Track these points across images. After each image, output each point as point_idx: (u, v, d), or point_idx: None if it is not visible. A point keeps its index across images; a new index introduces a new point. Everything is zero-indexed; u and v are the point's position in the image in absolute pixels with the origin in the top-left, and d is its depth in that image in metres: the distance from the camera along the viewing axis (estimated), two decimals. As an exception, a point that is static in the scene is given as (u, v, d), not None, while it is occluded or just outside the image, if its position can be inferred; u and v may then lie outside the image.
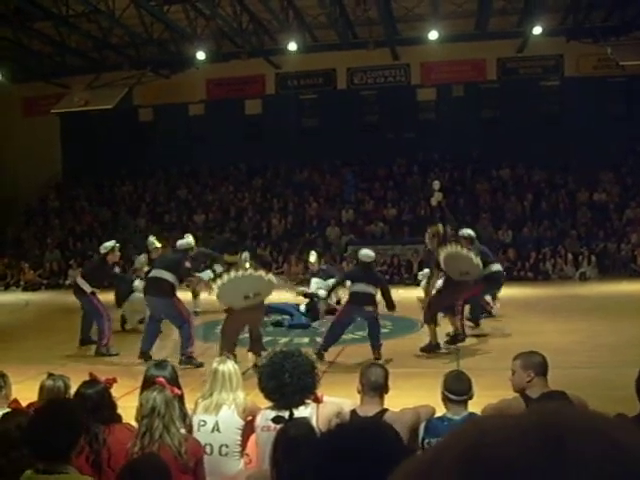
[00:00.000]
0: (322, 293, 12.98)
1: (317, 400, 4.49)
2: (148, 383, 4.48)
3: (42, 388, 4.69)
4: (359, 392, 4.34)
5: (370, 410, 4.16)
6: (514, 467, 0.54)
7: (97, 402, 3.98)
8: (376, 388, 4.24)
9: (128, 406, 4.39)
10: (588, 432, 0.56)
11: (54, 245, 22.96)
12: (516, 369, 4.31)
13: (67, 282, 20.72)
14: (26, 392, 5.28)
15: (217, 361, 4.70)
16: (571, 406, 0.62)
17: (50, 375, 5.02)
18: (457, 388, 4.15)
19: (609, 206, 21.06)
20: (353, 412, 4.17)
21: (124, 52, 22.72)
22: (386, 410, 4.24)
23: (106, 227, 23.74)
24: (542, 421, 0.57)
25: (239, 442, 4.43)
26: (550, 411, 0.59)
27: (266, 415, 4.17)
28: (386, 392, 4.39)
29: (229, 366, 4.58)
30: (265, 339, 10.88)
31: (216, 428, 4.40)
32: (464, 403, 4.11)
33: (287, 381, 4.06)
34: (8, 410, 4.29)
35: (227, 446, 4.39)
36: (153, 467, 3.21)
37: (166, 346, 9.59)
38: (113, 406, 4.23)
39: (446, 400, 4.19)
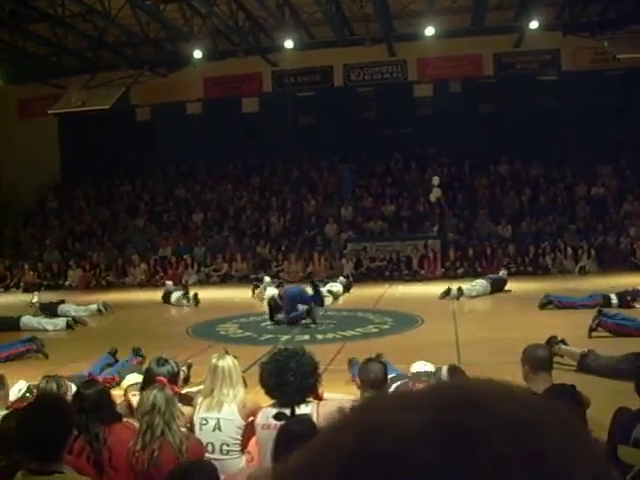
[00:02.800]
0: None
1: (318, 397, 4.49)
2: (149, 380, 4.48)
3: (37, 390, 4.71)
4: (358, 387, 4.35)
5: None
6: (411, 469, 0.48)
7: (96, 402, 3.98)
8: (376, 384, 4.25)
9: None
10: (499, 425, 0.49)
11: (53, 246, 22.95)
12: (521, 361, 4.33)
13: (67, 283, 20.78)
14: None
15: (216, 357, 4.70)
16: (484, 394, 0.53)
17: (45, 377, 5.03)
18: None
19: (607, 200, 21.06)
20: None
21: (120, 52, 22.68)
22: None
23: (105, 227, 23.75)
24: (444, 412, 0.50)
25: (239, 441, 4.43)
26: (457, 397, 0.52)
27: (266, 413, 4.17)
28: (385, 388, 4.39)
29: (228, 361, 4.58)
30: (266, 336, 10.91)
31: (217, 427, 4.40)
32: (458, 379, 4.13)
33: (290, 380, 4.06)
34: (7, 412, 4.29)
35: (228, 444, 4.39)
36: (203, 471, 3.24)
37: (166, 345, 9.58)
38: (112, 405, 4.24)
39: None
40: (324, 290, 15.16)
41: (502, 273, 16.16)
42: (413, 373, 6.01)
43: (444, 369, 4.36)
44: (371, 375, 4.28)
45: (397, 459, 0.48)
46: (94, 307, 14.24)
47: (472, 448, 0.48)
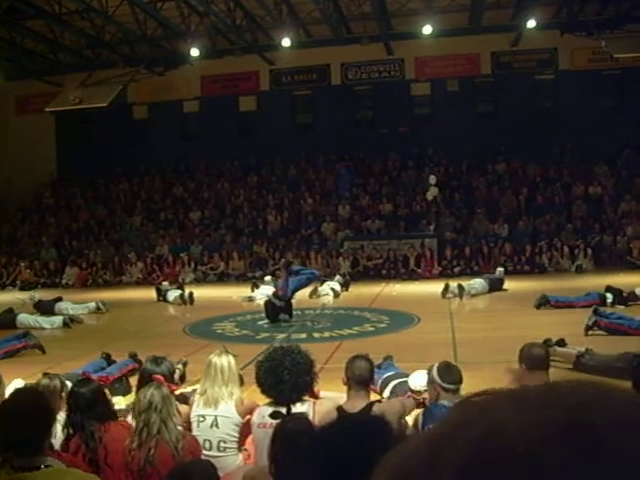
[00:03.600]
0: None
1: (314, 396, 4.48)
2: (145, 378, 4.48)
3: (38, 387, 4.68)
4: (344, 384, 4.33)
5: (357, 405, 4.15)
6: (538, 467, 0.46)
7: (91, 400, 3.98)
8: (361, 382, 4.24)
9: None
10: (628, 427, 0.47)
11: (50, 243, 22.92)
12: (518, 361, 4.34)
13: (63, 281, 20.75)
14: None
15: (215, 353, 4.71)
16: (607, 394, 0.52)
17: (46, 374, 5.02)
18: (450, 378, 4.16)
19: (604, 199, 21.09)
20: (339, 409, 4.13)
21: (118, 50, 22.67)
22: (373, 403, 4.24)
23: (102, 225, 23.72)
24: (572, 410, 0.49)
25: (236, 438, 4.44)
26: (582, 396, 0.51)
27: (262, 412, 4.17)
28: (372, 384, 4.39)
29: (223, 360, 4.57)
30: (262, 335, 10.90)
31: (215, 424, 4.41)
32: (458, 392, 4.14)
33: (285, 378, 4.06)
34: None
35: (225, 442, 4.40)
36: (204, 471, 3.24)
37: (163, 344, 9.58)
38: (107, 404, 4.23)
39: (440, 390, 4.19)
40: (326, 288, 15.25)
41: (499, 271, 16.18)
42: (419, 388, 5.94)
43: (434, 369, 4.34)
44: (356, 372, 4.27)
45: (522, 456, 0.47)
46: (92, 305, 14.23)
47: (601, 450, 0.47)
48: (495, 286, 15.08)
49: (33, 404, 2.84)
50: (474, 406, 0.53)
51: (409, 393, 6.30)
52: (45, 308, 13.98)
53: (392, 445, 0.59)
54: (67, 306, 14.15)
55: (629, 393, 0.53)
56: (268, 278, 16.82)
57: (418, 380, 6.18)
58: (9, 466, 2.65)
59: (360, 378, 4.23)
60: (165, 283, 16.78)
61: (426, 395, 5.94)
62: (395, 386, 6.91)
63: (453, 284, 14.70)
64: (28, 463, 2.65)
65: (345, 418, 3.63)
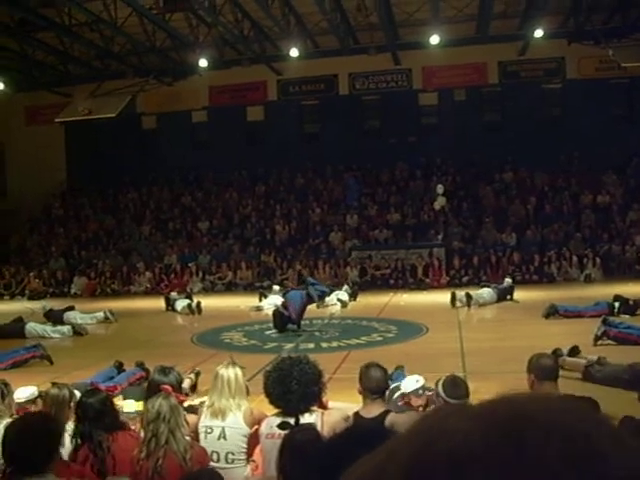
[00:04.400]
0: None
1: (322, 406, 4.48)
2: (153, 388, 4.48)
3: (47, 396, 4.70)
4: (360, 393, 4.33)
5: (373, 411, 4.16)
6: (474, 468, 0.51)
7: (99, 410, 3.99)
8: (377, 390, 4.24)
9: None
10: (554, 432, 0.52)
11: (59, 253, 23.01)
12: (527, 370, 4.33)
13: (72, 291, 20.81)
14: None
15: (222, 365, 4.70)
16: (541, 405, 0.58)
17: (54, 384, 5.03)
18: (452, 394, 4.15)
19: (613, 208, 21.01)
20: (356, 414, 4.17)
21: (127, 60, 22.82)
22: (389, 411, 4.24)
23: (110, 235, 23.79)
24: (506, 421, 0.54)
25: (245, 449, 4.42)
26: (516, 405, 0.56)
27: (270, 423, 4.16)
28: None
29: (230, 372, 4.56)
30: (270, 345, 10.90)
31: (222, 435, 4.39)
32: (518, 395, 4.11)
33: (294, 388, 4.05)
34: (10, 419, 4.30)
35: (233, 453, 4.39)
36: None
37: (171, 353, 9.59)
38: (115, 414, 4.23)
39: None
40: (334, 298, 15.23)
41: (507, 282, 16.15)
42: (409, 391, 5.98)
43: (440, 383, 4.32)
44: (372, 381, 4.28)
45: (460, 458, 0.52)
46: (100, 315, 14.26)
47: (531, 459, 0.51)
48: (503, 296, 15.04)
49: (41, 426, 2.95)
50: (428, 419, 0.58)
51: (403, 397, 6.34)
52: (55, 317, 14.02)
53: None
54: (76, 316, 14.20)
55: (562, 404, 0.57)
56: (276, 288, 16.82)
57: (410, 384, 6.25)
58: None
59: (375, 388, 4.24)
60: (174, 293, 16.81)
61: (418, 400, 6.03)
62: (398, 396, 6.91)
63: (461, 293, 14.69)
64: None
65: (354, 429, 3.64)
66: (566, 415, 0.55)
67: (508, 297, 15.10)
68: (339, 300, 15.32)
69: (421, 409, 6.06)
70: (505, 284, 15.83)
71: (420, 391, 6.08)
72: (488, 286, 15.51)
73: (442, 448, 0.53)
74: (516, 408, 0.56)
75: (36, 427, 2.95)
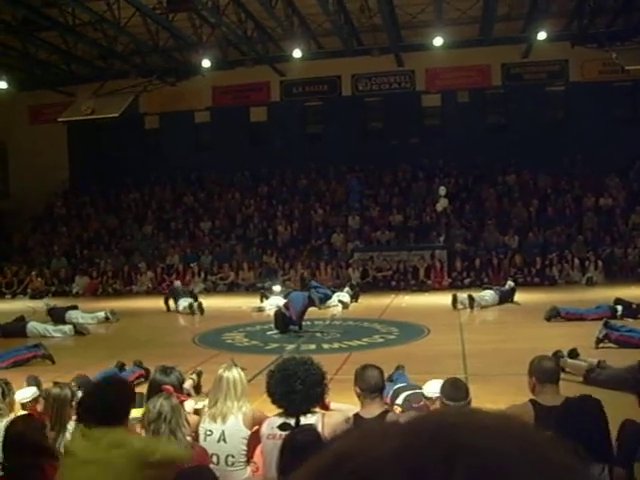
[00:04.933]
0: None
1: (324, 407, 4.47)
2: (154, 388, 4.48)
3: (48, 396, 4.70)
4: (358, 396, 4.33)
5: (373, 412, 4.16)
6: None
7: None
8: (375, 390, 4.24)
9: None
10: (485, 453, 0.51)
11: (61, 252, 23.03)
12: (528, 372, 4.32)
13: (74, 290, 20.83)
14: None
15: (223, 368, 4.69)
16: (473, 415, 0.59)
17: (56, 383, 5.04)
18: (452, 395, 4.14)
19: (615, 211, 20.99)
20: (357, 415, 4.17)
21: (130, 60, 22.84)
22: (388, 412, 4.24)
23: (113, 235, 23.81)
24: (432, 440, 0.53)
25: (245, 452, 4.42)
26: (445, 424, 0.56)
27: (272, 423, 4.16)
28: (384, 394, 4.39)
29: (234, 373, 4.56)
30: (271, 345, 10.90)
31: (222, 438, 4.38)
32: (451, 408, 4.10)
33: (297, 388, 4.05)
34: (11, 418, 4.30)
35: (233, 456, 4.38)
36: (203, 478, 3.26)
37: (172, 354, 9.59)
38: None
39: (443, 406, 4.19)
40: (335, 300, 15.22)
41: (509, 284, 16.14)
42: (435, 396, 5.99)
43: (441, 384, 4.32)
44: (370, 381, 4.27)
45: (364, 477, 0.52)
46: (101, 315, 14.26)
47: (431, 477, 0.51)
48: (505, 299, 15.03)
49: (121, 385, 3.46)
50: (353, 435, 0.59)
51: (423, 401, 6.33)
52: (57, 315, 14.02)
53: None
54: (77, 315, 14.20)
55: (488, 419, 0.57)
56: (277, 289, 16.83)
57: (432, 387, 6.23)
58: (85, 425, 3.28)
59: (373, 386, 4.24)
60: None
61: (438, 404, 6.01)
62: (409, 395, 6.93)
63: (463, 295, 14.69)
64: (110, 439, 3.19)
65: (352, 430, 3.63)
66: (479, 437, 0.54)
67: (509, 300, 15.09)
68: (340, 301, 15.30)
69: None
70: (507, 287, 15.82)
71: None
72: (490, 288, 15.50)
73: (349, 466, 0.53)
74: (432, 429, 0.55)
75: (119, 386, 3.42)
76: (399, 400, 6.75)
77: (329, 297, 13.35)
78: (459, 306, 14.35)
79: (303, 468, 0.58)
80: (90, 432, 3.24)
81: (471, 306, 14.30)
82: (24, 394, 5.68)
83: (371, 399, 4.24)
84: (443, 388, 4.23)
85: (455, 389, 4.20)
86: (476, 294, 14.81)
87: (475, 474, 0.50)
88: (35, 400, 6.10)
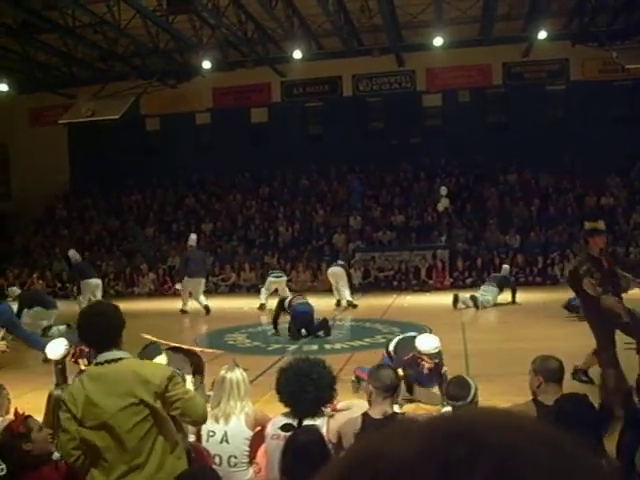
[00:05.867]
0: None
1: (332, 408, 4.45)
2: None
3: (50, 397, 4.70)
4: (369, 394, 4.32)
5: (382, 412, 4.15)
6: None
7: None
8: (389, 389, 4.24)
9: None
10: (503, 458, 0.52)
11: (62, 255, 23.01)
12: (531, 372, 4.31)
13: (75, 292, 20.80)
14: (35, 401, 5.30)
15: (225, 369, 4.69)
16: (492, 413, 0.59)
17: (57, 385, 5.04)
18: (455, 393, 4.14)
19: (617, 210, 20.97)
20: (365, 415, 4.16)
21: (130, 62, 22.85)
22: (397, 414, 4.23)
23: (114, 236, 23.82)
24: (449, 441, 0.54)
25: (247, 452, 4.41)
26: (459, 429, 0.56)
27: (276, 423, 4.15)
28: (397, 395, 4.38)
29: (237, 374, 4.56)
30: (274, 346, 10.89)
31: (225, 439, 4.38)
32: (465, 408, 4.08)
33: (309, 389, 4.04)
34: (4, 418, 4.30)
35: (236, 457, 4.37)
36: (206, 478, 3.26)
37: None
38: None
39: (450, 406, 4.19)
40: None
41: (504, 269, 16.08)
42: (425, 351, 6.60)
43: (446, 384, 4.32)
44: (382, 380, 4.26)
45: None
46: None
47: (458, 477, 0.51)
48: (503, 285, 14.97)
49: (108, 311, 3.52)
50: (360, 437, 0.59)
51: (412, 352, 6.69)
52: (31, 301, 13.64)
53: None
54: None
55: (501, 419, 0.58)
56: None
57: (425, 343, 6.70)
58: (95, 364, 3.40)
59: (387, 386, 4.23)
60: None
61: (429, 363, 6.57)
62: (401, 340, 7.14)
63: (465, 295, 14.69)
64: (109, 356, 3.32)
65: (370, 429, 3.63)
66: (505, 432, 0.55)
67: (512, 293, 15.03)
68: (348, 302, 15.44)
69: (426, 365, 6.66)
70: (503, 272, 15.75)
71: (436, 356, 6.42)
72: (484, 282, 15.37)
73: (372, 468, 0.54)
74: (452, 429, 0.56)
75: (106, 311, 3.52)
76: (391, 346, 6.98)
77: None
78: (460, 306, 14.38)
79: (326, 470, 0.58)
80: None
81: (476, 306, 14.34)
82: (54, 353, 5.99)
83: (382, 398, 4.23)
84: (448, 386, 4.22)
85: (460, 387, 4.19)
86: (479, 294, 14.81)
87: (498, 473, 0.51)
88: (65, 357, 6.61)
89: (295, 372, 4.14)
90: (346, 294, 15.69)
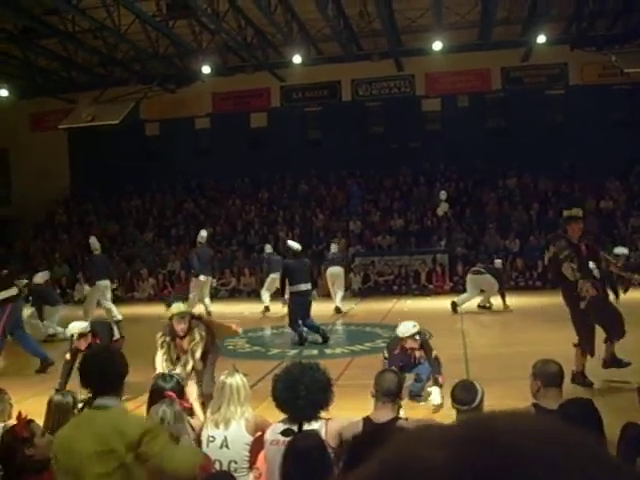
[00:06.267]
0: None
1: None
2: (155, 395, 4.48)
3: (50, 403, 4.70)
4: (373, 397, 4.34)
5: (383, 416, 4.15)
6: None
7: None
8: (389, 394, 4.24)
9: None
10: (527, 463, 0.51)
11: (62, 259, 23.04)
12: (531, 376, 4.31)
13: (76, 297, 20.79)
14: (36, 406, 5.30)
15: (225, 374, 4.69)
16: (506, 420, 0.57)
17: (58, 391, 5.04)
18: (461, 397, 4.14)
19: (616, 214, 21.00)
20: (367, 419, 4.17)
21: (130, 67, 22.89)
22: (398, 418, 4.23)
23: (114, 241, 23.81)
24: (472, 451, 0.53)
25: (247, 458, 4.41)
26: (481, 435, 0.55)
27: (275, 429, 4.15)
28: (400, 399, 4.38)
29: (237, 379, 4.56)
30: (274, 351, 10.89)
31: (225, 444, 4.38)
32: (471, 412, 4.07)
33: (302, 394, 4.03)
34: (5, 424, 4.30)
35: (236, 462, 4.37)
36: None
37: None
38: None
39: (455, 410, 4.19)
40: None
41: (497, 262, 16.06)
42: (406, 335, 7.30)
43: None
44: (384, 385, 4.27)
45: None
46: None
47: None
48: (498, 275, 14.91)
49: (110, 358, 3.46)
50: (388, 441, 0.58)
51: (399, 344, 7.44)
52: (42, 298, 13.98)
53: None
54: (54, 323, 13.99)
55: (530, 425, 0.57)
56: (269, 247, 17.10)
57: (403, 327, 7.44)
58: (89, 406, 3.40)
59: (388, 391, 4.24)
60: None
61: (413, 343, 7.31)
62: (388, 343, 7.91)
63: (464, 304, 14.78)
64: (102, 402, 3.26)
65: (371, 432, 3.64)
66: (534, 438, 0.54)
67: (502, 306, 14.86)
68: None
69: (417, 353, 7.44)
70: (496, 265, 15.65)
71: (416, 335, 7.36)
72: (480, 272, 15.01)
73: (401, 477, 0.53)
74: (480, 436, 0.55)
75: (109, 358, 3.46)
76: (385, 351, 7.61)
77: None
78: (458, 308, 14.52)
79: (351, 478, 0.57)
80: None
81: (489, 307, 14.65)
82: (74, 327, 6.85)
83: (383, 402, 4.24)
84: (453, 391, 4.22)
85: (466, 391, 4.19)
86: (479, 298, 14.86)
87: None
88: (84, 335, 7.54)
89: (287, 378, 4.14)
90: (338, 297, 15.68)
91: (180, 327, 6.81)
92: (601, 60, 21.17)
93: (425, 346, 7.51)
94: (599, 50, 20.52)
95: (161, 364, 6.67)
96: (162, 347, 6.85)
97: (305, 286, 11.40)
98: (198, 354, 6.80)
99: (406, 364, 7.35)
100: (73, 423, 3.35)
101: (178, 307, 7.00)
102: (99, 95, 22.89)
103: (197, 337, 6.80)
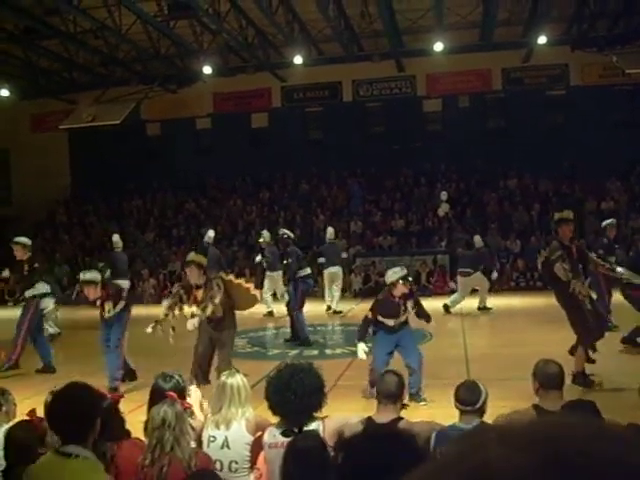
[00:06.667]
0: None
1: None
2: (156, 395, 4.48)
3: (47, 404, 4.70)
4: (375, 398, 4.35)
5: (385, 417, 4.16)
6: None
7: (104, 418, 3.96)
8: (390, 396, 4.24)
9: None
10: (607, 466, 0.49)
11: (63, 260, 23.05)
12: (531, 376, 4.31)
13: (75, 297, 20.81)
14: (36, 406, 5.29)
15: (225, 375, 4.69)
16: (584, 426, 0.54)
17: (52, 392, 5.03)
18: (465, 398, 4.13)
19: (617, 214, 20.96)
20: (369, 419, 4.17)
21: (131, 67, 22.91)
22: (401, 418, 4.23)
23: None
24: (554, 450, 0.50)
25: (248, 458, 4.41)
26: (561, 437, 0.52)
27: (273, 432, 4.14)
28: (401, 400, 4.38)
29: (237, 380, 4.55)
30: (274, 351, 10.89)
31: (225, 444, 4.37)
32: (474, 413, 4.07)
33: (290, 399, 4.00)
34: (8, 426, 4.30)
35: (237, 462, 4.37)
36: None
37: (177, 360, 9.57)
38: (121, 422, 4.21)
39: (458, 410, 4.18)
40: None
41: (476, 239, 16.03)
42: (394, 279, 7.50)
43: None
44: (385, 386, 4.27)
45: None
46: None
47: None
48: (480, 256, 14.92)
49: (81, 398, 3.22)
50: (466, 443, 0.56)
51: (386, 291, 7.76)
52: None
53: (417, 462, 0.61)
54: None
55: (614, 431, 0.55)
56: (266, 233, 17.02)
57: (391, 274, 7.77)
58: (55, 451, 3.10)
59: (389, 392, 4.24)
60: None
61: (402, 288, 7.56)
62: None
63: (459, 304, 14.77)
64: (67, 450, 3.04)
65: (372, 432, 3.64)
66: (621, 446, 0.52)
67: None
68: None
69: (408, 304, 7.67)
70: (476, 243, 15.61)
71: (402, 280, 7.02)
72: (468, 274, 14.99)
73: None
74: (567, 440, 0.52)
75: (77, 398, 3.20)
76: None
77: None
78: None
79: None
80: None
81: (487, 308, 14.59)
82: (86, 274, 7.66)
83: (384, 404, 4.24)
84: (457, 391, 4.21)
85: (470, 392, 4.18)
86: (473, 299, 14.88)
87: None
88: (93, 283, 8.18)
89: (277, 382, 4.11)
90: (335, 299, 15.71)
91: (190, 274, 7.53)
92: (602, 61, 21.16)
93: (411, 291, 7.83)
94: (600, 51, 20.51)
95: (165, 306, 7.62)
96: (173, 296, 7.75)
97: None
98: (217, 300, 7.35)
99: (393, 312, 7.46)
100: (36, 467, 3.12)
101: (190, 255, 7.80)
102: (100, 95, 22.91)
103: (215, 287, 7.42)
